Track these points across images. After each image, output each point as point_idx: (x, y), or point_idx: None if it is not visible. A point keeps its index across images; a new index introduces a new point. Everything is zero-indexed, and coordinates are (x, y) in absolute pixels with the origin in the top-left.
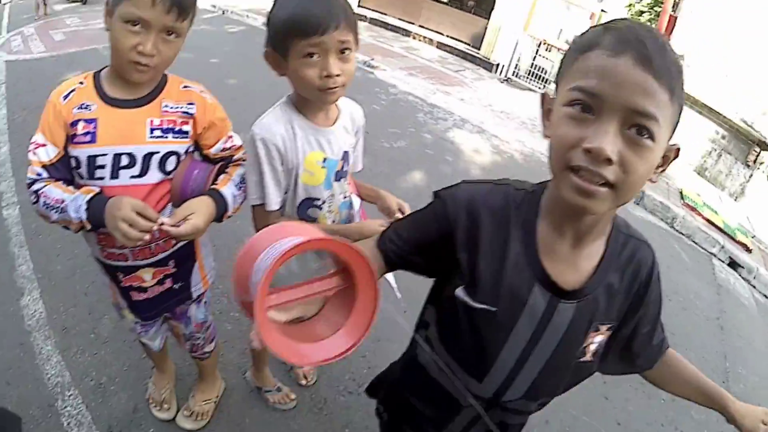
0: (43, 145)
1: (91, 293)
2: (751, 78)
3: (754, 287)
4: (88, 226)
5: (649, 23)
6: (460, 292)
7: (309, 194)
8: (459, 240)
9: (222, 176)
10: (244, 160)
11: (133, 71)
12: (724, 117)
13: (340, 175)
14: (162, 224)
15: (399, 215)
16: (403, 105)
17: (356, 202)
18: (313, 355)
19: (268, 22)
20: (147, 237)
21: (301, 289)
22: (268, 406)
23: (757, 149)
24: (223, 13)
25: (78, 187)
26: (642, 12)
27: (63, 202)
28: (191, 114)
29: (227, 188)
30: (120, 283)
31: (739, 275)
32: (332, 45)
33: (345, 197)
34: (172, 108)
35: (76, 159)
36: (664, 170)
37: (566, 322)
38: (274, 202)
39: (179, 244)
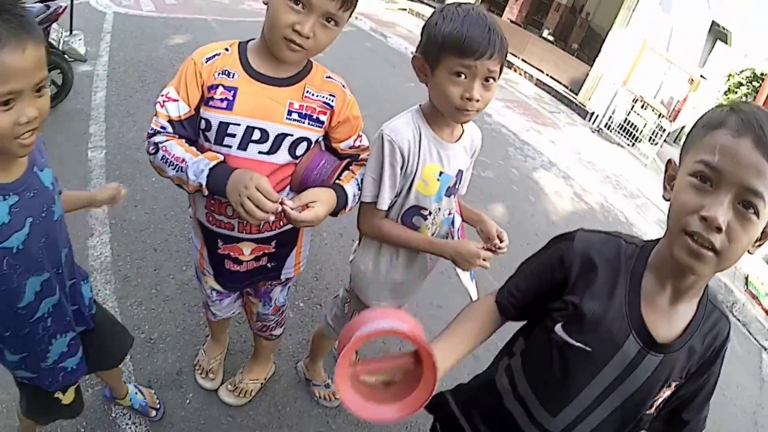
0: (175, 100)
1: (161, 250)
2: None
3: None
4: (206, 192)
5: (745, 97)
6: (559, 328)
7: (419, 202)
8: (571, 283)
9: (346, 173)
10: (366, 161)
11: (284, 49)
12: None
13: (451, 192)
14: (284, 205)
15: (497, 242)
16: (495, 136)
17: (458, 220)
18: (374, 413)
19: (426, 30)
20: (272, 218)
21: (381, 362)
22: (312, 399)
23: None
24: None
25: (201, 149)
26: (740, 83)
27: (184, 161)
28: (331, 105)
29: (350, 185)
30: (217, 249)
31: None
32: (481, 71)
33: (449, 213)
34: (314, 95)
35: (207, 121)
36: (761, 245)
37: (649, 372)
38: (385, 202)
39: (287, 227)
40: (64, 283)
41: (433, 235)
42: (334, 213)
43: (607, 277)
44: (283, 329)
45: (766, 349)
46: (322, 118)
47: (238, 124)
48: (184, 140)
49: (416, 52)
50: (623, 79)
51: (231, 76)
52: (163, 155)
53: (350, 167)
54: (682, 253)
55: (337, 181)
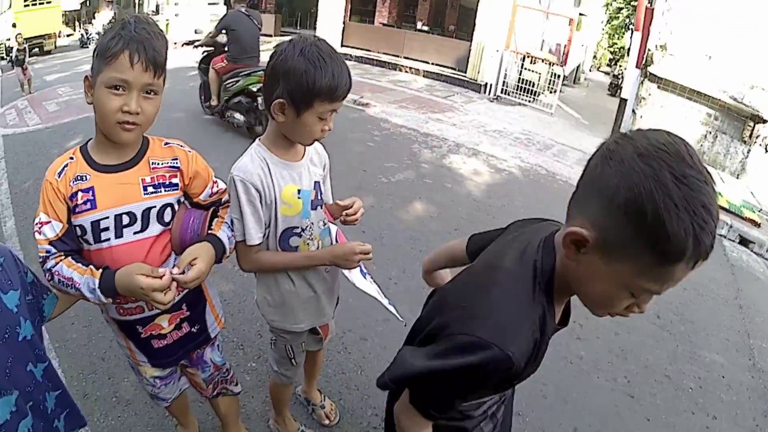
0: (47, 223)
1: (108, 358)
2: (733, 55)
3: None
4: (110, 301)
5: (627, 18)
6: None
7: (289, 224)
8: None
9: (215, 220)
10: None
11: (121, 132)
12: (713, 98)
13: (315, 204)
14: (172, 275)
15: (348, 212)
16: (396, 138)
17: (333, 228)
18: None
19: (291, 77)
20: (175, 293)
21: None
22: None
23: (751, 124)
24: None
25: (87, 255)
26: (620, 8)
27: (73, 281)
28: (177, 167)
29: (222, 231)
30: (140, 335)
31: (752, 251)
32: (338, 107)
33: (324, 224)
34: (159, 164)
35: (81, 227)
36: None
37: None
38: (255, 238)
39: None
40: (39, 400)
41: (317, 249)
42: (219, 260)
43: (534, 344)
44: (238, 386)
45: (724, 237)
46: (175, 180)
47: (107, 217)
48: (71, 257)
49: (278, 95)
50: (505, 44)
51: (84, 179)
52: (59, 279)
53: (218, 213)
54: None
55: (210, 231)
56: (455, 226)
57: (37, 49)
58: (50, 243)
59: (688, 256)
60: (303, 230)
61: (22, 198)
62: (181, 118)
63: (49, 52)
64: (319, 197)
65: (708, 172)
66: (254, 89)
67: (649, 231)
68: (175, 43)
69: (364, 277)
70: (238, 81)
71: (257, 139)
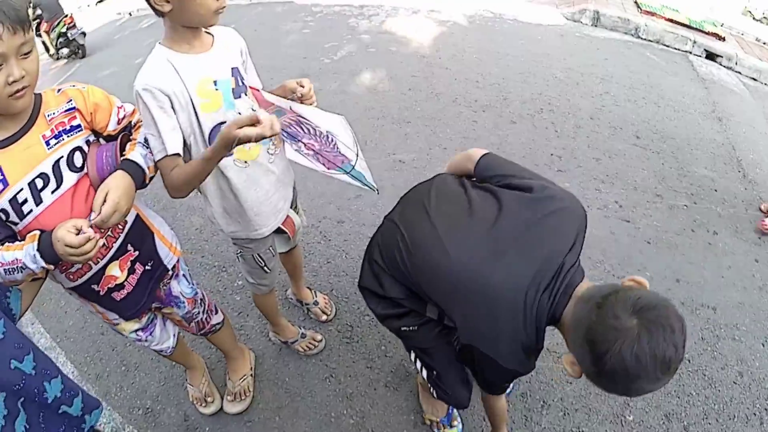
0: None
1: (107, 331)
2: None
3: (739, 72)
4: (52, 268)
5: None
6: None
7: (214, 121)
8: None
9: (128, 144)
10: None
11: (15, 103)
12: None
13: (238, 92)
14: (91, 223)
15: (299, 91)
16: (331, 18)
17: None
18: None
19: None
20: (101, 243)
21: None
22: (301, 355)
23: None
24: (131, 15)
25: (20, 235)
26: None
27: (19, 260)
28: (73, 107)
29: (135, 152)
30: (99, 294)
31: (720, 65)
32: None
33: (252, 111)
34: (55, 113)
35: (3, 211)
36: None
37: None
38: (172, 147)
39: (126, 226)
40: (34, 393)
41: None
42: (141, 184)
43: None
44: (221, 315)
45: (690, 53)
46: (75, 122)
47: (22, 189)
48: (6, 242)
49: None
50: None
51: None
52: (4, 269)
53: (130, 138)
54: None
55: (122, 156)
56: (408, 85)
57: None
58: None
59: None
60: None
61: None
62: (115, 72)
63: None
64: (241, 83)
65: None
66: (64, 30)
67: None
68: (88, 5)
69: (301, 154)
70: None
71: (157, 43)
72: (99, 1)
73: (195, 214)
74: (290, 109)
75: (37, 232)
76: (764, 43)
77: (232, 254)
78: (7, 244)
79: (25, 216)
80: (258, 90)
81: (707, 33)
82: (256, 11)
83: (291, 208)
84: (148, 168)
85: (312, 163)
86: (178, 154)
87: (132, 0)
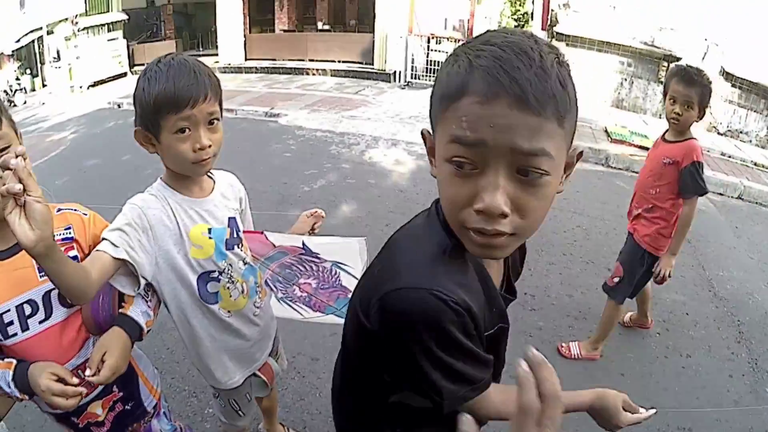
0: None
1: None
2: (637, 1)
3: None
4: (27, 398)
5: None
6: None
7: (204, 268)
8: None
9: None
10: None
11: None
12: (623, 46)
13: (232, 243)
14: (83, 380)
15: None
16: (313, 143)
17: (258, 271)
18: None
19: (136, 101)
20: (79, 399)
21: None
22: None
23: (665, 64)
24: (120, 107)
25: (5, 351)
26: None
27: None
28: (71, 238)
29: (134, 308)
30: (77, 426)
31: None
32: (202, 117)
33: (245, 264)
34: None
35: None
36: (569, 176)
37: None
38: (113, 246)
39: None
40: None
41: (242, 293)
42: (137, 338)
43: (485, 293)
44: None
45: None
46: (72, 253)
47: (8, 310)
48: None
49: (135, 125)
50: (407, 28)
51: None
52: None
53: None
54: (476, 249)
55: (121, 310)
56: (385, 221)
57: None
58: None
59: (472, 88)
60: (221, 273)
61: None
62: (98, 164)
63: None
64: (236, 235)
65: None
66: None
67: (434, 86)
68: (81, 87)
69: (287, 303)
70: None
71: (159, 178)
72: (91, 85)
73: (166, 332)
74: (302, 244)
75: (14, 362)
76: (729, 157)
77: (203, 379)
78: None
79: (9, 337)
80: (261, 233)
81: None
82: (240, 126)
83: (271, 355)
84: (147, 323)
85: (298, 312)
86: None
87: (123, 89)
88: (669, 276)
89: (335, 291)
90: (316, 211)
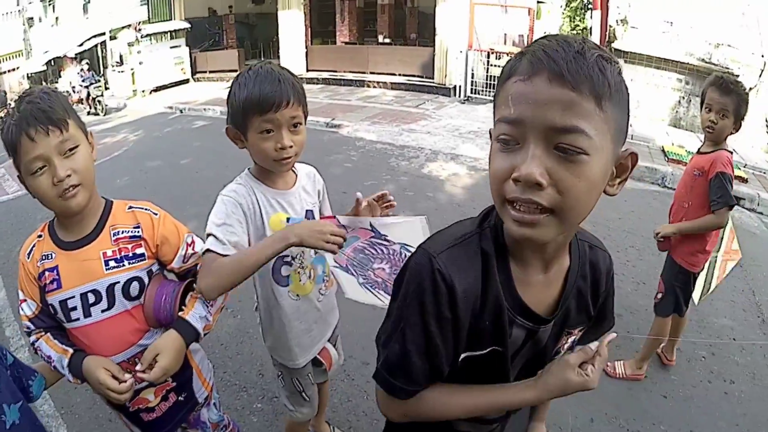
0: (24, 301)
1: (115, 418)
2: (695, 17)
3: (761, 213)
4: (78, 383)
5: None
6: (462, 355)
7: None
8: (462, 316)
9: (189, 295)
10: None
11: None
12: (680, 63)
13: None
14: (134, 375)
15: (387, 199)
16: (373, 155)
17: (329, 257)
18: None
19: (229, 102)
20: (128, 395)
21: None
22: None
23: None
24: (182, 112)
25: (68, 333)
26: None
27: (51, 358)
28: (139, 236)
29: (194, 312)
30: (128, 409)
31: (743, 207)
32: (285, 120)
33: (315, 253)
34: (121, 233)
35: (52, 306)
36: (624, 180)
37: (545, 339)
38: (222, 243)
39: None
40: None
41: (310, 278)
42: (193, 341)
43: (482, 288)
44: None
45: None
46: (140, 251)
47: (73, 296)
48: (50, 334)
49: (227, 123)
50: (467, 43)
51: (50, 258)
52: (41, 354)
53: (194, 285)
54: (513, 225)
55: (180, 313)
56: None
57: None
58: (29, 320)
59: (518, 70)
60: (293, 258)
61: (11, 268)
62: (159, 166)
63: None
64: None
65: (586, 48)
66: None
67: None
68: (143, 92)
69: (365, 289)
70: None
71: (246, 169)
72: (153, 90)
73: (222, 330)
74: (369, 225)
75: (70, 351)
76: None
77: (254, 375)
78: (49, 335)
79: (72, 321)
80: (333, 216)
81: None
82: None
83: (330, 342)
84: (204, 327)
85: (379, 299)
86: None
87: (184, 95)
88: (660, 238)
89: None
90: (384, 194)
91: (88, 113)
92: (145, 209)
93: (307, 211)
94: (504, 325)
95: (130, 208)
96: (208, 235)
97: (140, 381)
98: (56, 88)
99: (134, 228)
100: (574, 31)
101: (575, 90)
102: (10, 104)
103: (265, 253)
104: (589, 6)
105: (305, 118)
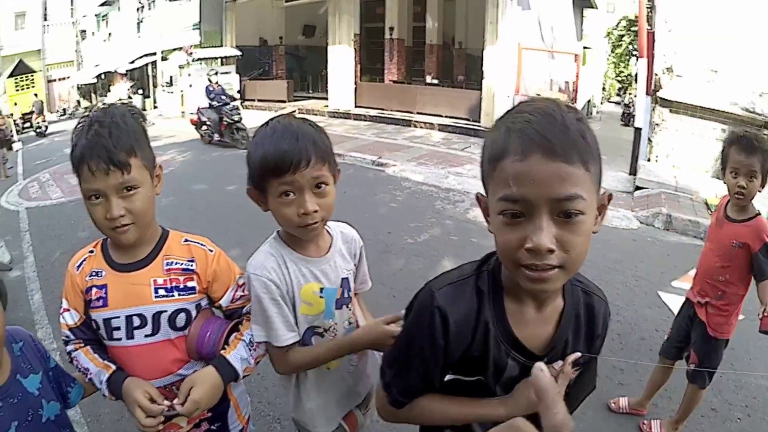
0: (68, 310)
1: None
2: (739, 66)
3: None
4: (113, 399)
5: (630, 45)
6: (448, 376)
7: (311, 323)
8: (452, 347)
9: (233, 336)
10: None
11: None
12: (724, 112)
13: (341, 303)
14: (169, 407)
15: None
16: (418, 197)
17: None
18: None
19: (247, 161)
20: (157, 422)
21: None
22: None
23: (766, 132)
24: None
25: (106, 349)
26: (621, 36)
27: (89, 371)
28: (192, 269)
29: (236, 352)
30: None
31: None
32: (306, 182)
33: (350, 324)
34: (174, 264)
35: (95, 322)
36: (602, 218)
37: None
38: (284, 338)
39: None
40: None
41: None
42: (232, 380)
43: (474, 322)
44: None
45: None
46: (191, 284)
47: (118, 317)
48: (90, 345)
49: (248, 184)
50: (515, 88)
51: (99, 275)
52: (76, 364)
53: (239, 327)
54: (527, 283)
55: (222, 352)
56: None
57: (28, 124)
58: (70, 329)
59: (511, 149)
60: (325, 331)
61: (49, 271)
62: (204, 189)
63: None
64: (346, 295)
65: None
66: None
67: (482, 152)
68: (192, 114)
69: None
70: None
71: (275, 232)
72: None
73: (262, 360)
74: None
75: (113, 367)
76: None
77: (288, 408)
78: (89, 348)
79: (113, 339)
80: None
81: None
82: (348, 172)
83: (360, 407)
84: (244, 369)
85: None
86: (291, 345)
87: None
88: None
89: None
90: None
91: (223, 143)
92: (201, 244)
93: (342, 279)
94: (489, 358)
95: (186, 241)
96: (255, 327)
97: (172, 410)
98: (133, 105)
99: (188, 261)
100: (619, 78)
101: (567, 162)
102: (79, 109)
103: (341, 352)
104: (634, 53)
105: (334, 177)
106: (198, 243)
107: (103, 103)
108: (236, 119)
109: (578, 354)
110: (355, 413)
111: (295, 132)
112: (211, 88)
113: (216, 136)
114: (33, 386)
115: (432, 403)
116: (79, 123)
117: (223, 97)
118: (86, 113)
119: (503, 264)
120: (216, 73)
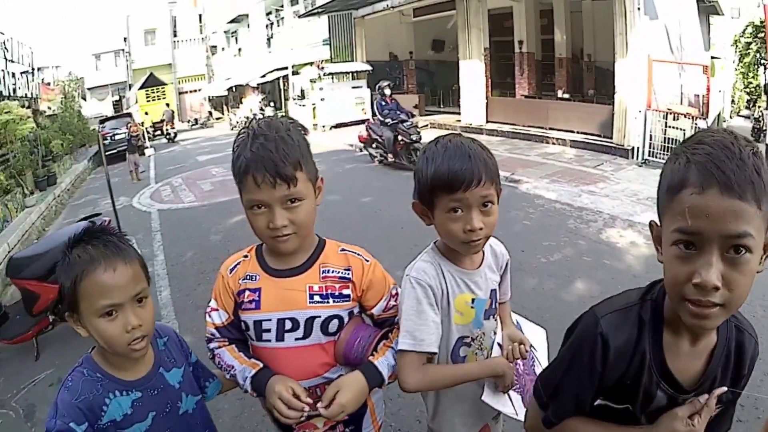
0: (216, 310)
1: (262, 425)
2: None
3: None
4: (254, 395)
5: (758, 53)
6: (599, 401)
7: (461, 333)
8: (608, 375)
9: (382, 343)
10: None
11: (278, 245)
12: None
13: (489, 313)
14: (314, 405)
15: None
16: (551, 215)
17: (498, 338)
18: None
19: (416, 176)
20: (300, 415)
21: None
22: None
23: None
24: (360, 151)
25: (252, 348)
26: (749, 43)
27: (233, 368)
28: (348, 278)
29: (384, 359)
30: (291, 429)
31: None
32: (475, 200)
33: (495, 333)
34: (330, 272)
35: (245, 323)
36: (767, 257)
37: None
38: (431, 344)
39: None
40: None
41: (485, 359)
42: (378, 386)
43: (633, 351)
44: None
45: None
46: (346, 292)
47: (270, 319)
48: (234, 345)
49: (414, 197)
50: (646, 102)
51: (253, 279)
52: (218, 361)
53: (389, 335)
54: (688, 318)
55: (370, 358)
56: None
57: (159, 132)
58: (216, 328)
59: (690, 181)
60: (473, 340)
61: (179, 270)
62: (339, 200)
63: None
64: (494, 306)
65: (736, 145)
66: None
67: (660, 180)
68: (324, 127)
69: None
70: None
71: (433, 243)
72: (333, 126)
73: None
74: (516, 321)
75: (260, 365)
76: None
77: (412, 420)
78: (233, 347)
79: (261, 341)
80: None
81: None
82: None
83: (494, 418)
84: (390, 376)
85: (509, 403)
86: (430, 354)
87: (364, 135)
88: None
89: (531, 378)
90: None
91: (398, 164)
92: (358, 254)
93: (491, 290)
94: (640, 387)
95: (343, 250)
96: (404, 331)
97: (315, 410)
98: (295, 121)
99: (345, 270)
100: (748, 89)
101: (742, 198)
102: (211, 119)
103: (474, 376)
104: (762, 61)
105: (498, 196)
106: (355, 253)
107: (262, 116)
108: (414, 138)
109: (724, 388)
110: (490, 425)
111: (466, 151)
112: (383, 102)
113: (389, 157)
114: (174, 380)
115: (581, 426)
116: (239, 134)
117: (399, 113)
118: (245, 126)
119: (668, 295)
120: (390, 86)
